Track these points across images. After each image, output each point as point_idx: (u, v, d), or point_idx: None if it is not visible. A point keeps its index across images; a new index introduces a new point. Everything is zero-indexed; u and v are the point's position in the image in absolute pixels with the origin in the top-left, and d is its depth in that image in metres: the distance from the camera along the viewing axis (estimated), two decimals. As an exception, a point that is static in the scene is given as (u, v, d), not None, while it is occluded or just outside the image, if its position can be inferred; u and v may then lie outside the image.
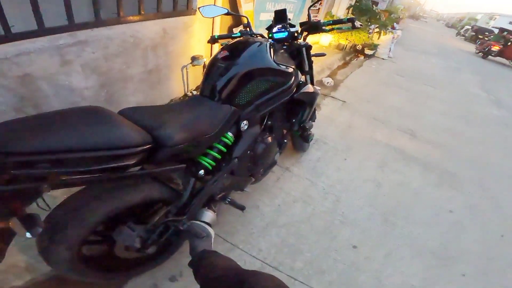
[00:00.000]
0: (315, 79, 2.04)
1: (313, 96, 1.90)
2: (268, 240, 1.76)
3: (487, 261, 1.99)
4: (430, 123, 4.11)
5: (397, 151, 3.13)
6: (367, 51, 6.91)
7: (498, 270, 1.94)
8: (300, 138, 2.03)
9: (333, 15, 6.37)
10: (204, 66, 2.44)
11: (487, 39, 16.03)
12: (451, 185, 2.75)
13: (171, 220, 1.19)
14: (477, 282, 1.82)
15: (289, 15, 2.44)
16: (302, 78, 1.88)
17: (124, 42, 1.94)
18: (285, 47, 1.78)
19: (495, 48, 13.26)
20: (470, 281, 1.82)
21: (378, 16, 6.79)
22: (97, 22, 1.81)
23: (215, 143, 1.28)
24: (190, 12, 2.49)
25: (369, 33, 6.49)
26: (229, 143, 1.34)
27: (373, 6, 7.04)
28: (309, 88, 1.83)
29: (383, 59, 7.27)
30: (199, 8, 1.73)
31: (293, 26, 1.81)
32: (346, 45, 6.65)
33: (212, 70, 1.34)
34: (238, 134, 1.39)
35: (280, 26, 1.79)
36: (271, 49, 1.46)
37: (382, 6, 8.99)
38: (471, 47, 16.13)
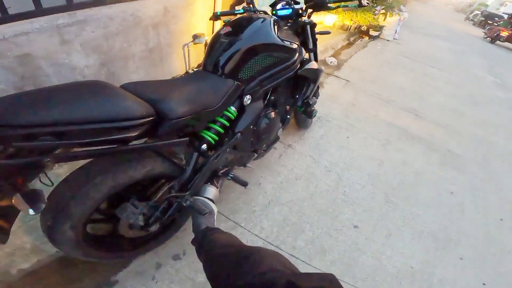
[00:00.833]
0: (318, 59, 2.01)
1: (317, 72, 1.89)
2: (270, 218, 1.78)
3: (485, 245, 2.00)
4: (434, 103, 4.06)
5: (400, 130, 3.11)
6: (372, 32, 6.74)
7: (495, 255, 1.95)
8: (304, 114, 2.02)
9: (338, -6, 6.19)
10: (205, 44, 2.40)
11: (496, 24, 15.82)
12: (454, 166, 2.75)
13: (174, 195, 1.19)
14: (474, 266, 1.84)
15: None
16: (306, 55, 1.85)
17: (124, 20, 1.91)
18: (289, 24, 1.75)
19: (504, 33, 13.14)
20: (467, 264, 1.84)
21: (384, -3, 6.58)
22: (96, 1, 1.78)
23: (218, 117, 1.28)
24: (192, -11, 2.43)
25: (375, 14, 6.32)
26: (232, 117, 1.34)
27: (380, -14, 6.82)
28: (313, 64, 1.82)
29: (388, 40, 7.11)
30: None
31: (298, 3, 1.77)
32: (351, 26, 6.48)
33: (216, 45, 1.32)
34: (241, 109, 1.39)
35: (284, 2, 1.76)
36: (275, 26, 1.44)
37: (390, -13, 8.71)
38: (479, 32, 15.75)
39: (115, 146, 0.88)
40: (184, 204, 1.18)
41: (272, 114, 1.61)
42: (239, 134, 1.37)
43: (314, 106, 2.05)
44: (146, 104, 0.91)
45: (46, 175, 0.83)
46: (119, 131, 0.84)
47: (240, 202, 1.81)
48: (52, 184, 0.88)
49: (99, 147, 0.84)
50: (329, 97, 3.38)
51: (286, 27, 1.70)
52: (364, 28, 6.65)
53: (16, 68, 1.47)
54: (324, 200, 1.99)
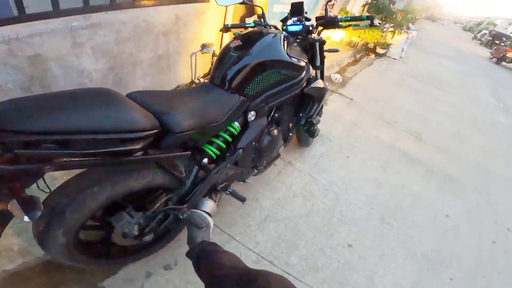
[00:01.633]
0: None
1: (322, 91, 1.89)
2: (265, 234, 1.77)
3: (477, 266, 2.01)
4: (437, 127, 4.07)
5: (401, 152, 3.11)
6: (379, 50, 6.80)
7: (485, 275, 1.96)
8: (306, 133, 2.03)
9: (348, 12, 6.26)
10: (213, 54, 2.42)
11: (503, 44, 15.78)
12: (452, 190, 2.75)
13: (172, 208, 1.18)
14: (464, 286, 1.85)
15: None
16: (312, 73, 1.85)
17: (137, 26, 1.93)
18: (298, 40, 1.75)
19: (510, 54, 13.06)
20: (457, 284, 1.84)
21: (394, 15, 6.65)
22: (112, 5, 1.80)
23: (221, 132, 1.28)
24: (204, -1, 2.46)
25: (383, 32, 6.38)
26: (235, 133, 1.34)
27: (390, 4, 6.89)
28: (319, 83, 1.82)
29: (394, 59, 7.16)
30: (214, -5, 1.70)
31: (309, 19, 1.76)
32: (358, 43, 6.55)
33: (224, 58, 1.32)
34: (245, 125, 1.38)
35: (296, 19, 1.75)
36: (285, 42, 1.43)
37: (399, 5, 8.78)
38: (486, 52, 15.84)
39: (117, 156, 0.86)
40: (181, 217, 1.17)
41: (275, 132, 1.61)
42: (241, 150, 1.37)
43: (317, 125, 2.05)
44: (151, 116, 0.91)
45: (44, 181, 0.82)
46: (123, 142, 0.83)
47: (236, 216, 1.81)
48: (50, 190, 0.87)
49: (101, 158, 0.82)
50: (331, 115, 3.40)
51: (295, 44, 1.70)
52: (371, 45, 6.71)
53: (25, 68, 1.48)
54: (320, 218, 1.99)
